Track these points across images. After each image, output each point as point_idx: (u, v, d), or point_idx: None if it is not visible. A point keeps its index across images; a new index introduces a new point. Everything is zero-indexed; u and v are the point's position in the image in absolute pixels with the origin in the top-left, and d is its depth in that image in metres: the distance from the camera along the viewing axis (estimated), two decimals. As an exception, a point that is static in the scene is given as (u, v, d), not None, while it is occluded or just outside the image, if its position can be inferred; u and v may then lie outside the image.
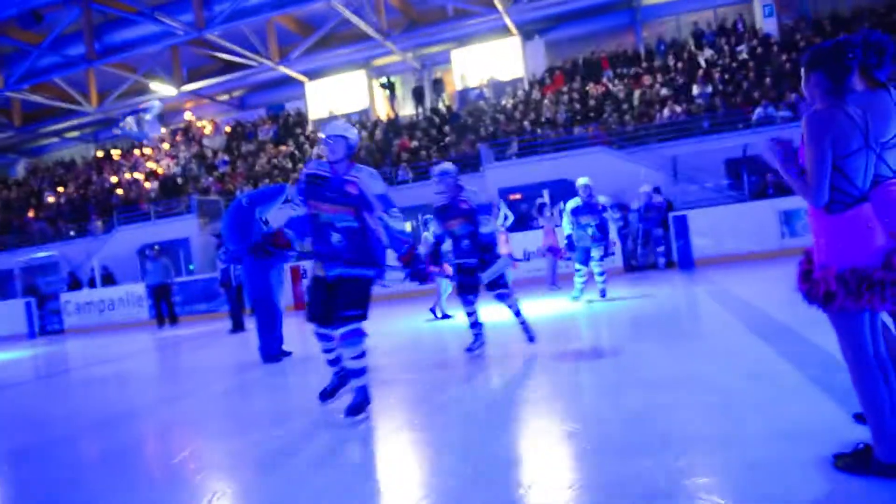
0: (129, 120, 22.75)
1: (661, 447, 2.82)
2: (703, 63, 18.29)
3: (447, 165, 5.73)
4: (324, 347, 4.13)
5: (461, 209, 5.52)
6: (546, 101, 18.91)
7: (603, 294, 8.62)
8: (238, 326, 10.99)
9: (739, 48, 18.27)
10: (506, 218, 9.77)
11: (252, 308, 7.20)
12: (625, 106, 17.62)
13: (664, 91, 17.51)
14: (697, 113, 16.27)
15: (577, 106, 18.32)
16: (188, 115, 25.84)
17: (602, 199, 8.87)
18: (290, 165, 20.65)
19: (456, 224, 5.57)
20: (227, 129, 24.70)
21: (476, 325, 5.71)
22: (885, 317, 2.57)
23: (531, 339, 5.74)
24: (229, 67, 21.59)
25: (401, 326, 8.88)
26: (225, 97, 25.26)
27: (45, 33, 18.88)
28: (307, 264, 14.70)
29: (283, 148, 21.94)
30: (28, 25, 18.96)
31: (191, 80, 22.22)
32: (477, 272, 5.58)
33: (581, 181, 8.62)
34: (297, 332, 9.93)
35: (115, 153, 25.95)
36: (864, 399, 2.25)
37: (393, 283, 7.73)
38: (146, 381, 7.38)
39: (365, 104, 22.89)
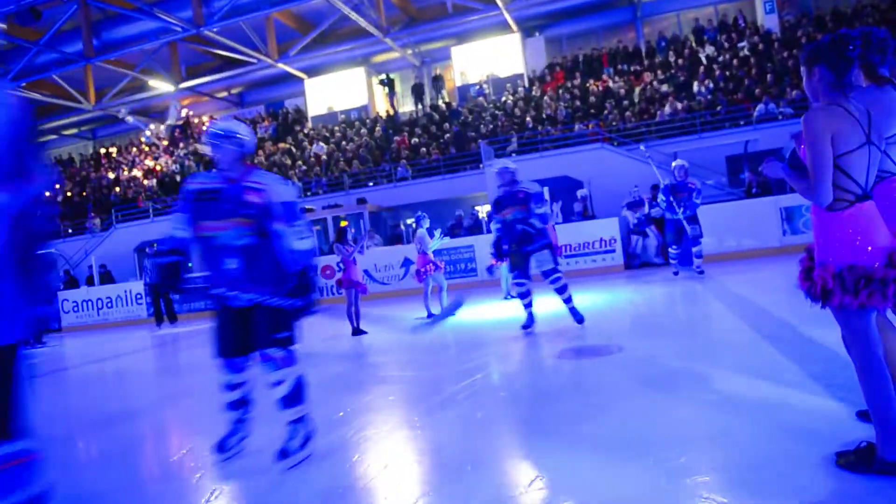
0: (153, 127, 23.15)
1: (661, 445, 2.80)
2: (703, 60, 18.25)
3: (507, 162, 6.72)
4: (230, 382, 3.36)
5: (518, 198, 6.38)
6: (546, 98, 18.87)
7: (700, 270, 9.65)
8: None
9: (740, 45, 18.24)
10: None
11: None
12: (625, 103, 17.58)
13: (665, 88, 17.47)
14: (698, 110, 16.24)
15: (578, 103, 18.28)
16: (185, 112, 25.82)
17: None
18: (288, 163, 20.62)
19: (511, 212, 6.40)
20: (226, 126, 24.64)
21: (529, 304, 6.47)
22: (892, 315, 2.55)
23: (580, 321, 6.38)
24: (228, 64, 21.54)
25: (397, 324, 8.85)
26: (224, 94, 25.21)
27: (43, 30, 18.83)
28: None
29: (281, 145, 21.90)
30: (26, 22, 18.88)
31: (189, 76, 22.17)
32: (530, 255, 6.38)
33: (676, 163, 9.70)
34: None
35: (113, 150, 25.93)
36: (870, 397, 2.22)
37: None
38: (145, 380, 7.36)
39: (364, 101, 22.85)
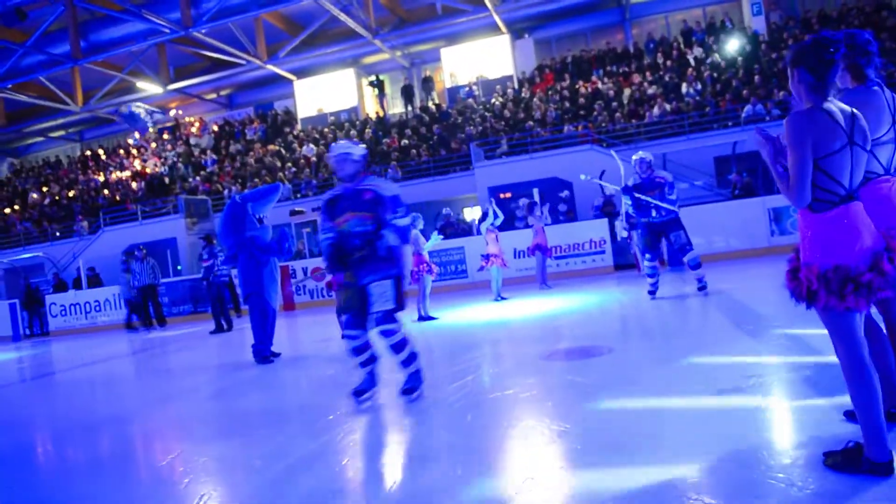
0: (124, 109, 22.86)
1: (651, 446, 2.80)
2: (692, 61, 18.36)
3: (644, 153, 7.95)
4: (354, 346, 4.24)
5: (657, 183, 7.66)
6: (536, 100, 18.92)
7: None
8: (218, 327, 10.92)
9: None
10: (496, 216, 9.72)
11: (246, 307, 7.18)
12: (614, 104, 17.66)
13: (653, 89, 17.56)
14: (687, 111, 16.34)
15: (567, 104, 18.34)
16: (174, 114, 25.66)
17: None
18: (278, 164, 20.53)
19: (652, 195, 7.64)
20: (215, 127, 24.53)
21: (655, 275, 7.74)
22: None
23: (703, 288, 7.57)
24: (217, 66, 21.44)
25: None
26: (212, 96, 25.08)
27: (29, 31, 18.67)
28: (300, 264, 14.63)
29: (271, 147, 21.82)
30: (12, 23, 18.72)
31: (178, 78, 22.06)
32: (663, 235, 7.71)
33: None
34: (287, 333, 9.88)
35: (101, 152, 25.73)
36: (856, 397, 2.24)
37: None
38: (133, 384, 7.29)
39: (354, 103, 22.80)
